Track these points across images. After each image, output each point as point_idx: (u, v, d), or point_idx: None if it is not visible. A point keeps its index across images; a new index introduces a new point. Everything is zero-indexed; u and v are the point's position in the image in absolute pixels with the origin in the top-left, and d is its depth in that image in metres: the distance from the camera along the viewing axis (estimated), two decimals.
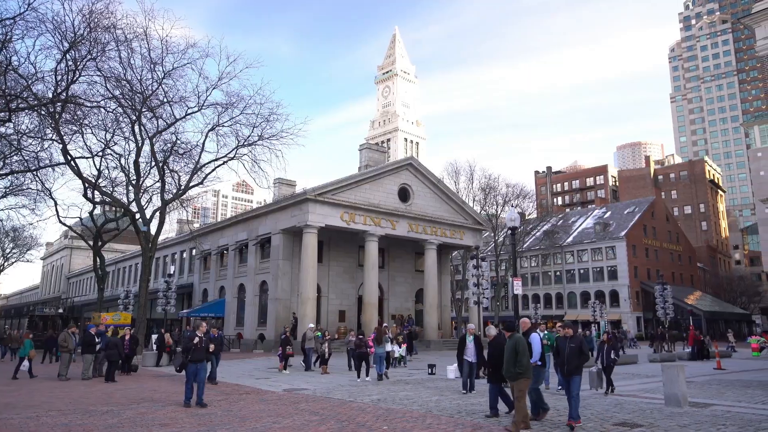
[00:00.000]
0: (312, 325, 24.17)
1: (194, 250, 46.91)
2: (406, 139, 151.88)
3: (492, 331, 12.09)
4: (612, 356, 14.44)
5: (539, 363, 11.01)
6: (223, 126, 31.31)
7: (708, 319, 65.84)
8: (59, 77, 25.02)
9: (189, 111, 30.55)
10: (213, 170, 32.51)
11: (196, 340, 12.28)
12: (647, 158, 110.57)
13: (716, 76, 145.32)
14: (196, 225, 58.98)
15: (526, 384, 9.46)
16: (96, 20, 24.25)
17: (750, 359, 31.40)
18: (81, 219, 39.51)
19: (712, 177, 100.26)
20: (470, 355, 14.10)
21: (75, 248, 79.85)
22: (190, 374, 12.20)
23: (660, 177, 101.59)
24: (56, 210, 35.83)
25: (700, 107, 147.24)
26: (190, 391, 12.25)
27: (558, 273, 75.55)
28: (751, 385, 16.96)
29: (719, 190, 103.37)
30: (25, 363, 19.77)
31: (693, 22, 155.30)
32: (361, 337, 19.30)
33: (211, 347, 12.93)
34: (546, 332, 15.08)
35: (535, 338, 11.09)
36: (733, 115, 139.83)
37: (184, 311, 42.69)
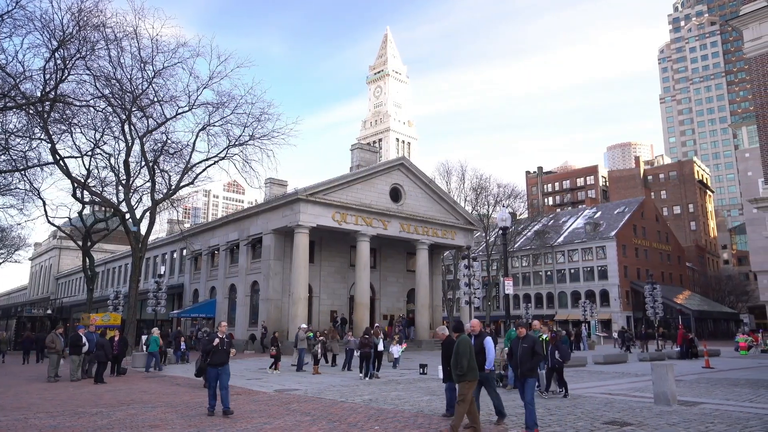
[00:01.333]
0: (304, 326, 24.11)
1: (185, 251, 46.66)
2: (397, 139, 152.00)
3: (444, 330, 11.85)
4: (557, 356, 13.83)
5: (492, 368, 10.16)
6: (213, 126, 31.23)
7: (697, 318, 66.45)
8: (48, 76, 24.84)
9: (179, 110, 30.44)
10: (204, 170, 32.45)
11: (216, 341, 11.20)
12: (637, 158, 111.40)
13: (705, 78, 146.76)
14: (187, 225, 58.66)
15: (469, 387, 8.91)
16: (85, 19, 24.11)
17: (738, 358, 31.73)
18: (70, 219, 39.22)
19: (700, 177, 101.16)
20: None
21: (64, 248, 79.12)
22: (212, 379, 11.18)
23: (649, 177, 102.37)
24: (45, 210, 35.55)
25: (689, 108, 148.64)
26: (213, 398, 11.20)
27: (549, 273, 75.92)
28: (738, 383, 17.14)
29: (708, 191, 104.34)
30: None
31: (682, 23, 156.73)
32: (367, 336, 19.22)
33: (233, 352, 11.50)
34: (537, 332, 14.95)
35: (489, 342, 10.20)
36: (722, 116, 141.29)
37: (175, 312, 42.46)
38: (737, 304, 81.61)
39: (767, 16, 15.61)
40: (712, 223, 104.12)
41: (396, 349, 23.15)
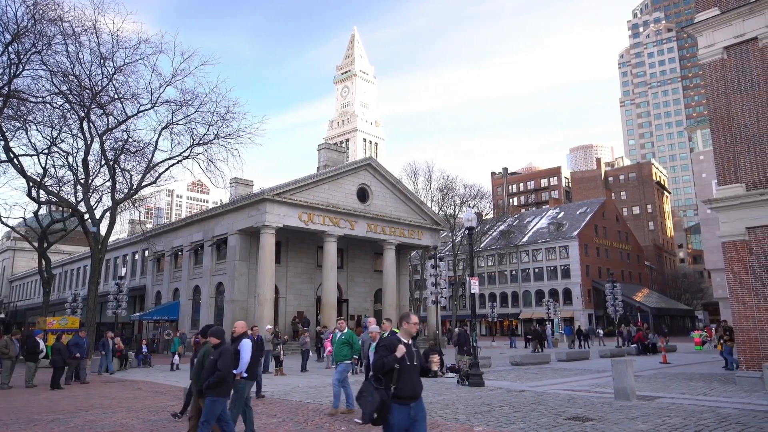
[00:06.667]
0: (269, 327, 23.84)
1: (147, 252, 45.54)
2: (365, 140, 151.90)
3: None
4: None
5: (245, 375, 8.82)
6: (177, 124, 30.54)
7: (655, 315, 68.64)
8: (0, 71, 23.89)
9: (141, 108, 29.66)
10: (167, 169, 31.69)
11: (401, 351, 5.32)
12: (598, 160, 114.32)
13: (662, 82, 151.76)
14: (149, 225, 57.24)
15: (201, 403, 7.57)
16: (41, 12, 23.31)
17: (693, 353, 32.92)
18: (25, 219, 37.72)
19: (658, 179, 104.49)
20: None
21: (18, 250, 76.30)
22: (400, 427, 5.20)
23: (610, 178, 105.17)
24: None
25: (648, 111, 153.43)
26: None
27: (514, 272, 77.19)
28: (693, 377, 17.81)
29: (665, 192, 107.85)
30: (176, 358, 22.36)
31: (641, 29, 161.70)
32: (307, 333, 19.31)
33: (436, 365, 5.82)
34: (348, 331, 12.50)
35: (245, 345, 8.83)
36: (678, 119, 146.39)
37: (136, 314, 41.42)
38: (693, 301, 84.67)
39: (720, 24, 16.24)
40: (669, 223, 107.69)
41: None
